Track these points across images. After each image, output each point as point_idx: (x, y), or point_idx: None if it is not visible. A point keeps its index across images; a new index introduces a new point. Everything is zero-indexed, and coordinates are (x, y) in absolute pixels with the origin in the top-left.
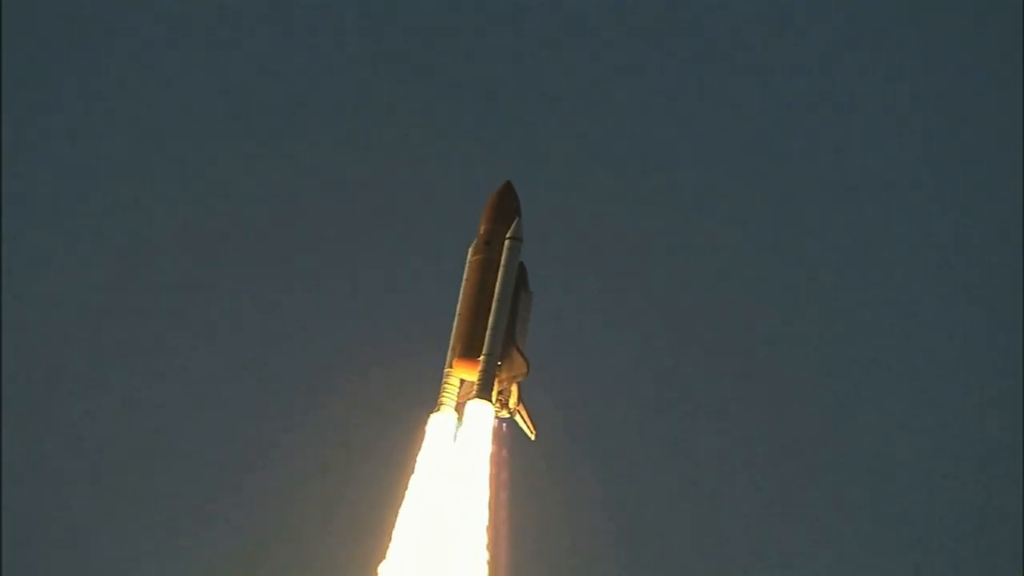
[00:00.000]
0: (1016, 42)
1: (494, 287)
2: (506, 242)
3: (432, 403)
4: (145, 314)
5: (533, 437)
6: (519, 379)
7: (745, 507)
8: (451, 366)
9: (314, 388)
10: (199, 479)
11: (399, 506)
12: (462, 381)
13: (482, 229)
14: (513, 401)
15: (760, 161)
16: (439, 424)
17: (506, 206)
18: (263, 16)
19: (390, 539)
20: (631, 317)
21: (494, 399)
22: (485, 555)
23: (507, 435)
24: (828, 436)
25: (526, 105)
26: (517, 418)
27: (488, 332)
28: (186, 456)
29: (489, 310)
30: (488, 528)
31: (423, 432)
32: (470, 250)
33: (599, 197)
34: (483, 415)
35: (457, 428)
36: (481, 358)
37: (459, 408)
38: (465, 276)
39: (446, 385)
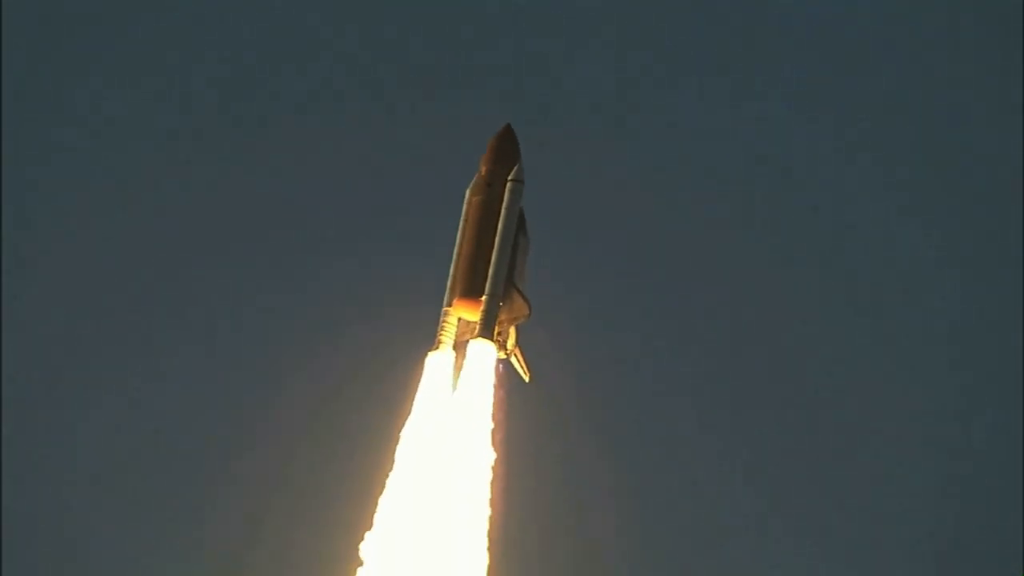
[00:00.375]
0: (1016, 42)
1: (494, 228)
2: (508, 184)
3: (425, 345)
4: (138, 307)
5: (528, 379)
6: (519, 321)
7: (744, 458)
8: (450, 305)
9: (312, 332)
10: (195, 456)
11: (397, 441)
12: (460, 320)
13: (483, 170)
14: (511, 343)
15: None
16: (438, 362)
17: (507, 148)
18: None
19: (389, 475)
20: (630, 266)
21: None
22: (487, 495)
23: (503, 376)
24: (827, 436)
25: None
26: (513, 360)
27: (491, 272)
28: (184, 432)
29: (489, 251)
30: (492, 467)
31: (420, 370)
32: (468, 191)
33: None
34: (486, 354)
35: (455, 366)
36: (483, 298)
37: (456, 347)
38: (464, 216)
39: (444, 323)
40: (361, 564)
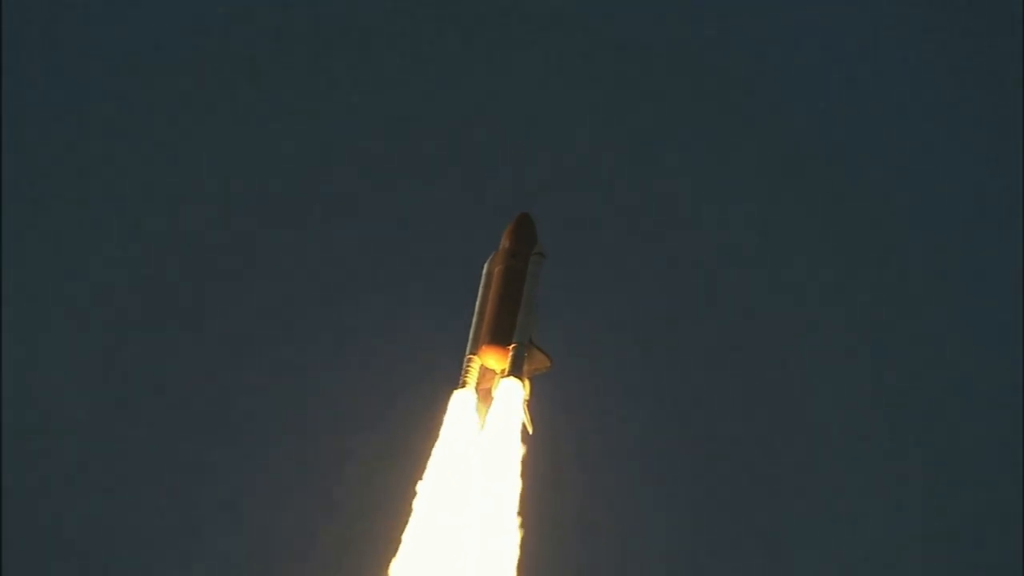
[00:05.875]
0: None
1: (516, 291)
2: (533, 256)
3: (441, 388)
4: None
5: (531, 431)
6: (540, 371)
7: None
8: (475, 353)
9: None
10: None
11: (426, 467)
12: (482, 367)
13: (507, 245)
14: (526, 392)
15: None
16: (463, 398)
17: (527, 229)
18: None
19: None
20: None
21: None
22: (516, 522)
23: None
24: (827, 436)
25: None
26: (522, 410)
27: (518, 325)
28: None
29: (512, 309)
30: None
31: (444, 406)
32: (488, 264)
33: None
34: (515, 391)
35: (477, 409)
36: (512, 345)
37: (478, 392)
38: (486, 282)
39: (468, 368)
40: None
